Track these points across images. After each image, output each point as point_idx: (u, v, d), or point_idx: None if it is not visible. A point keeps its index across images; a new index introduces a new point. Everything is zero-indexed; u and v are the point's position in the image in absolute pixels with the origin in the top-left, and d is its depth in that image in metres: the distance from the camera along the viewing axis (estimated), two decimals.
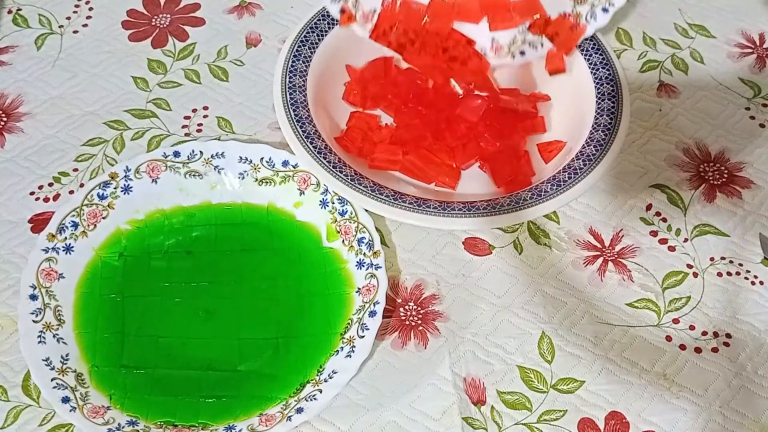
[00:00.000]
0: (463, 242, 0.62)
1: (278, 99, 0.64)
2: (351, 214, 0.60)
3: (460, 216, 0.59)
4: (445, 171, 0.64)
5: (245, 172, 0.63)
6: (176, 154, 0.63)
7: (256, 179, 0.63)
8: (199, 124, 0.69)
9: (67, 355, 0.55)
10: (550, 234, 0.63)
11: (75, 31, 0.75)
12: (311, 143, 0.62)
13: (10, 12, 0.77)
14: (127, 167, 0.62)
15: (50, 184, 0.65)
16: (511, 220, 0.59)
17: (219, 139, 0.65)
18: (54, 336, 0.55)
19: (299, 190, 0.62)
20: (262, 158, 0.63)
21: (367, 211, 0.60)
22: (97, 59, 0.73)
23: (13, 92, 0.71)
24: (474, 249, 0.62)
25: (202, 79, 0.72)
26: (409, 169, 0.64)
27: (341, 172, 0.60)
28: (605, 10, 0.67)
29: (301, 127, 0.63)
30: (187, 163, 0.63)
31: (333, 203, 0.61)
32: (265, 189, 0.63)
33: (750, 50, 0.74)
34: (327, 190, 0.61)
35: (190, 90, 0.71)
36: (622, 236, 0.63)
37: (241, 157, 0.63)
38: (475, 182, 0.64)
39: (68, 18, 0.76)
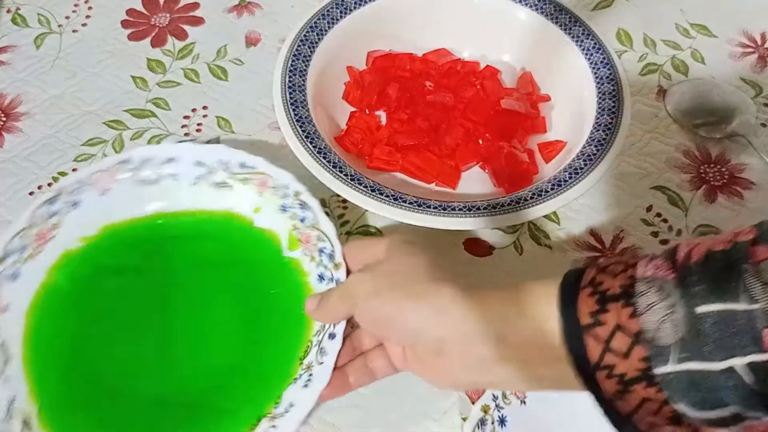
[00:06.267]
0: (463, 242, 0.62)
1: (278, 99, 0.64)
2: (311, 220, 0.55)
3: (460, 216, 0.58)
4: (445, 171, 0.64)
5: (200, 176, 0.59)
6: (125, 161, 0.58)
7: (212, 183, 0.59)
8: (199, 124, 0.69)
9: (13, 399, 0.50)
10: (550, 235, 0.62)
11: (74, 31, 0.75)
12: (311, 143, 0.61)
13: (9, 11, 0.76)
14: (73, 180, 0.57)
15: (49, 184, 0.65)
16: (511, 220, 0.59)
17: (219, 139, 0.65)
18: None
19: (258, 192, 0.58)
20: (218, 160, 0.59)
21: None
22: (96, 59, 0.73)
23: (13, 92, 0.70)
24: (474, 249, 0.62)
25: (202, 78, 0.72)
26: (409, 170, 0.64)
27: (341, 172, 0.60)
28: None
29: (301, 127, 0.62)
30: (138, 170, 0.58)
31: (293, 207, 0.57)
32: (222, 193, 0.58)
33: (751, 50, 0.74)
34: (288, 193, 0.57)
35: (189, 89, 0.71)
36: (623, 237, 0.62)
37: (195, 161, 0.59)
38: (475, 182, 0.64)
39: (67, 17, 0.76)
